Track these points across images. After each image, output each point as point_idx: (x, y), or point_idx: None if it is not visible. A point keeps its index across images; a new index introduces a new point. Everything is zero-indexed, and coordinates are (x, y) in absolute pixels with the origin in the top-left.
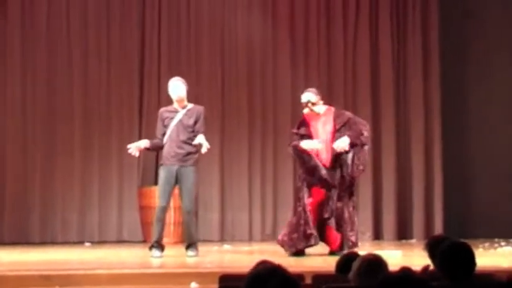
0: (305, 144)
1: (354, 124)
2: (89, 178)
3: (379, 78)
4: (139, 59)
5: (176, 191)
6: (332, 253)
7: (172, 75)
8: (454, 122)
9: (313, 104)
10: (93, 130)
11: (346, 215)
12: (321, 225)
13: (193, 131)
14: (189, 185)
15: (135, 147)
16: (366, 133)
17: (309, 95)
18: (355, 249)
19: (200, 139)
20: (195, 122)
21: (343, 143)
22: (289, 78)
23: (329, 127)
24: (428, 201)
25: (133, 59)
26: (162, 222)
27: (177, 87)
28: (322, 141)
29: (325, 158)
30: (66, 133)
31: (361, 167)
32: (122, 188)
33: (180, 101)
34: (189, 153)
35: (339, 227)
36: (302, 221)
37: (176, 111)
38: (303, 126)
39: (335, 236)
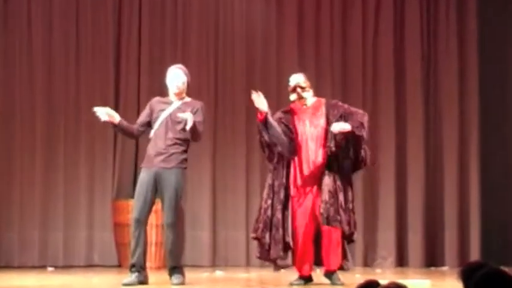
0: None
1: (351, 114)
2: (52, 189)
3: (404, 76)
4: (114, 50)
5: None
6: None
7: (154, 71)
8: (494, 126)
9: (303, 88)
10: (59, 133)
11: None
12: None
13: (184, 129)
14: (171, 191)
15: (104, 112)
16: (366, 124)
17: (298, 77)
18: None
19: (188, 115)
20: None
21: (344, 125)
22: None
23: (321, 121)
24: (462, 220)
25: (107, 50)
26: (139, 239)
27: (176, 77)
28: (311, 138)
29: (313, 157)
30: (26, 136)
31: (367, 161)
32: (93, 202)
33: (179, 93)
34: (173, 154)
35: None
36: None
37: (170, 103)
38: (286, 116)
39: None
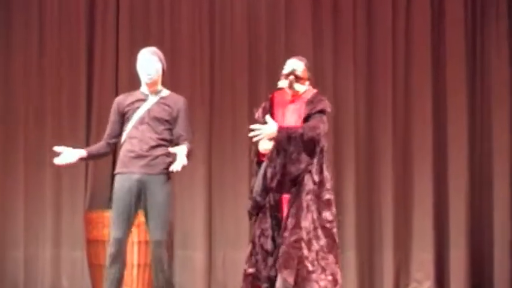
0: (260, 144)
1: (314, 116)
2: (9, 198)
3: (444, 65)
4: (86, 28)
5: (142, 217)
6: None
7: (135, 55)
8: None
9: (298, 78)
10: (17, 131)
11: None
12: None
13: (168, 129)
14: (158, 202)
15: (65, 158)
16: (320, 131)
17: (296, 64)
18: None
19: (180, 150)
20: (171, 119)
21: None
22: (310, 59)
23: (301, 115)
24: None
25: (78, 30)
26: (118, 263)
27: (148, 63)
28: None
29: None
30: None
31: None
32: (60, 213)
33: (152, 84)
34: (157, 157)
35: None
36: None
37: (144, 99)
38: (264, 112)
39: None
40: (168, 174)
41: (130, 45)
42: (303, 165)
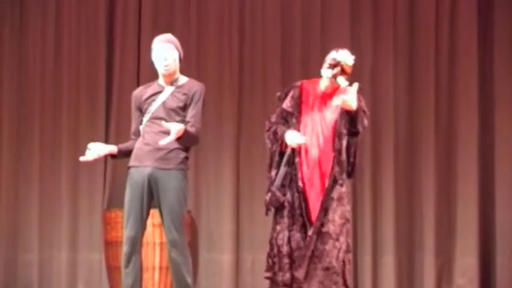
0: (290, 137)
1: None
2: (23, 198)
3: (491, 59)
4: (107, 15)
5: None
6: None
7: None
8: None
9: (344, 71)
10: (32, 126)
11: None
12: None
13: (184, 120)
14: (171, 198)
15: (93, 152)
16: (366, 121)
17: (348, 56)
18: None
19: (175, 126)
20: (186, 107)
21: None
22: (346, 47)
23: (333, 114)
24: None
25: (97, 16)
26: (134, 264)
27: (164, 52)
28: (315, 134)
29: (314, 159)
30: None
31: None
32: (77, 213)
33: (168, 75)
34: (172, 151)
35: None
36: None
37: (160, 90)
38: (292, 101)
39: None
40: (184, 170)
41: (153, 32)
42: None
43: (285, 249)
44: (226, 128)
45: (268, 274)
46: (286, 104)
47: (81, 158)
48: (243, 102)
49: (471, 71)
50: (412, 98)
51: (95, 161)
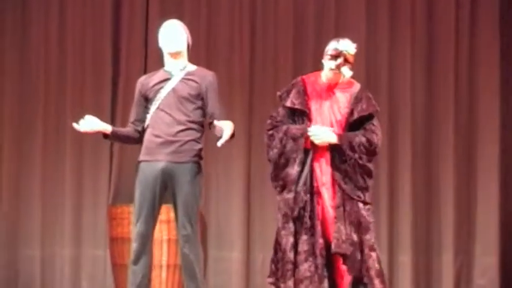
0: (316, 130)
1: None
2: (25, 192)
3: None
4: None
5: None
6: None
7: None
8: None
9: (347, 61)
10: (36, 115)
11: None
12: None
13: (197, 108)
14: (186, 193)
15: (87, 125)
16: (380, 137)
17: (350, 45)
18: None
19: (227, 125)
20: (200, 96)
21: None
22: (362, 40)
23: (342, 108)
24: None
25: (104, 1)
26: (144, 261)
27: (172, 36)
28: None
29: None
30: None
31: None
32: (81, 208)
33: (176, 54)
34: (186, 143)
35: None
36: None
37: (168, 78)
38: (299, 98)
39: None
40: (199, 163)
41: (161, 17)
42: (368, 173)
43: (288, 255)
44: (237, 122)
45: (271, 280)
46: (292, 102)
47: (74, 125)
48: (254, 95)
49: (492, 67)
50: (431, 95)
51: (100, 156)
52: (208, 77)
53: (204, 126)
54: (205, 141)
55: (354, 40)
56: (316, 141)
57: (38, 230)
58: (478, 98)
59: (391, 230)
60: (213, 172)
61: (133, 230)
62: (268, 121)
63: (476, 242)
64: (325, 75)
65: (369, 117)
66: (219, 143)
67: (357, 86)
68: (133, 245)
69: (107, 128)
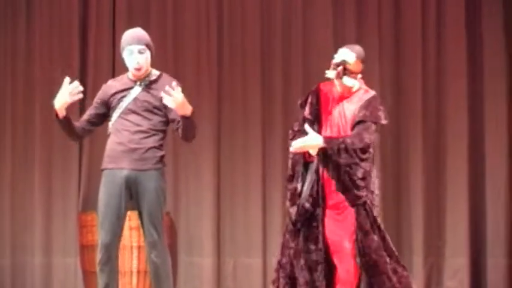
0: (301, 142)
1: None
2: None
3: (481, 44)
4: (80, 6)
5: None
6: None
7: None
8: None
9: (347, 70)
10: (4, 125)
11: None
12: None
13: (159, 116)
14: (150, 200)
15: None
16: (367, 140)
17: (347, 53)
18: None
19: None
20: (161, 104)
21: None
22: (328, 37)
23: (349, 117)
24: None
25: (71, 8)
26: (109, 271)
27: (136, 54)
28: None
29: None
30: None
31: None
32: (50, 216)
33: (139, 76)
34: (148, 150)
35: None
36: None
37: (132, 86)
38: (311, 107)
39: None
40: (162, 169)
41: (128, 20)
42: (360, 177)
43: (288, 268)
44: (206, 128)
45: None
46: (306, 112)
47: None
48: (222, 101)
49: (460, 56)
50: (399, 96)
51: (68, 163)
52: (171, 85)
53: (166, 133)
54: (174, 147)
55: (321, 32)
56: (311, 151)
57: (8, 239)
58: (447, 94)
59: None
60: (183, 177)
61: (98, 239)
62: (290, 131)
63: (445, 243)
64: (337, 84)
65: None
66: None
67: (370, 94)
68: (98, 256)
69: (65, 112)
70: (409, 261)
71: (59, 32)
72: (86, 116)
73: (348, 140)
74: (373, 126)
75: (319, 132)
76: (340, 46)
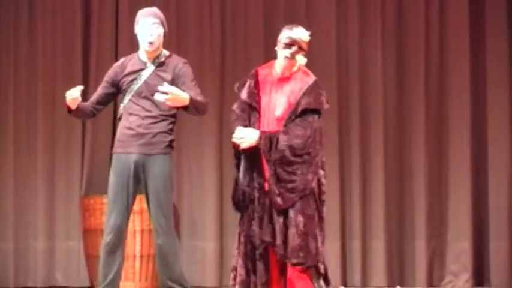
0: (240, 134)
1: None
2: None
3: (483, 35)
4: None
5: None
6: None
7: (135, 13)
8: None
9: (301, 48)
10: (6, 108)
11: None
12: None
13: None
14: (159, 185)
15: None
16: (307, 138)
17: (303, 33)
18: None
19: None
20: (172, 84)
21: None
22: (332, 27)
23: (291, 99)
24: None
25: None
26: (115, 254)
27: (149, 29)
28: (272, 122)
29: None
30: None
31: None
32: (53, 200)
33: (152, 51)
34: (157, 134)
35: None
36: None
37: (142, 67)
38: (250, 92)
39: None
40: (170, 154)
41: (131, 3)
42: (298, 177)
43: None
44: (209, 114)
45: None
46: (244, 95)
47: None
48: (225, 83)
49: (462, 53)
50: (402, 81)
51: (71, 148)
52: (179, 65)
53: (176, 117)
54: (176, 132)
55: (324, 29)
56: (242, 145)
57: (11, 223)
58: (449, 86)
59: (364, 217)
60: (186, 161)
61: (106, 221)
62: (233, 115)
63: (448, 227)
64: (280, 64)
65: (312, 112)
66: (156, 97)
67: (311, 78)
68: (107, 237)
69: (75, 104)
70: (412, 245)
71: (61, 24)
72: (95, 96)
73: (283, 137)
74: (317, 116)
75: (259, 115)
76: (343, 33)
